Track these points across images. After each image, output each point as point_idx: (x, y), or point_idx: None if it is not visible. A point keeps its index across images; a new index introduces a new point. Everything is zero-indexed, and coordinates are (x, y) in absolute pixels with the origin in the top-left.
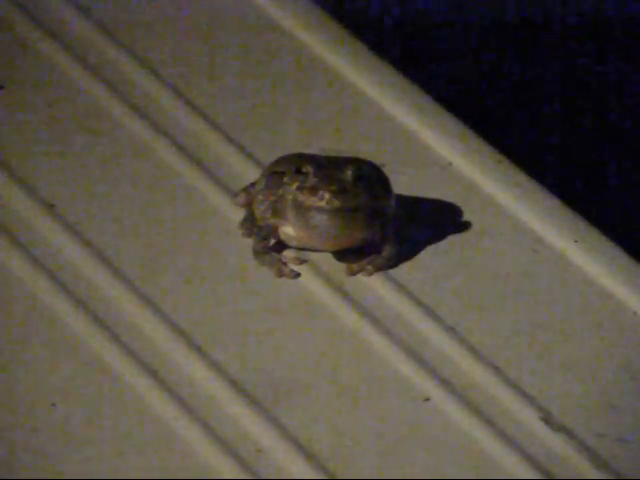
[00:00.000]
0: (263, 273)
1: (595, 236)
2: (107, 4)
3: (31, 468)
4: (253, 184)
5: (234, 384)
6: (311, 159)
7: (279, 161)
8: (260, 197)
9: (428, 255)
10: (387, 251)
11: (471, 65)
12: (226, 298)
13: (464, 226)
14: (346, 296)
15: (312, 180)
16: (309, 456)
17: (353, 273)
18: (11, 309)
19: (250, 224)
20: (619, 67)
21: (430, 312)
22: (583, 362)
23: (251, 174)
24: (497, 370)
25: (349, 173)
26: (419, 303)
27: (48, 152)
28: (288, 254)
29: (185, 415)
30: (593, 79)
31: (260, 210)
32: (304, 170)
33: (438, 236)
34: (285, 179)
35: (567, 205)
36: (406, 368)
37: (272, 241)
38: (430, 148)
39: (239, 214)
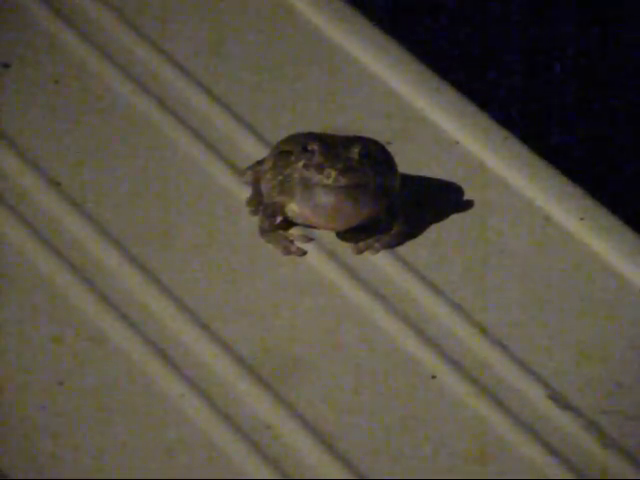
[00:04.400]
0: (270, 251)
1: (602, 213)
2: None
3: (38, 446)
4: (260, 162)
5: (242, 362)
6: (318, 137)
7: (286, 140)
8: (268, 176)
9: (435, 233)
10: (394, 229)
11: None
12: (233, 276)
13: (470, 204)
14: (353, 274)
15: (318, 158)
16: (317, 433)
17: (360, 251)
18: (17, 287)
19: (257, 202)
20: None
21: (437, 290)
22: (590, 339)
23: (258, 152)
24: (504, 348)
25: (355, 151)
26: (426, 281)
27: (54, 130)
28: (295, 232)
29: (193, 393)
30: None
31: (267, 188)
32: (310, 148)
33: (444, 214)
34: (292, 158)
35: (574, 182)
36: (413, 346)
37: (279, 219)
38: (437, 126)
39: (246, 192)
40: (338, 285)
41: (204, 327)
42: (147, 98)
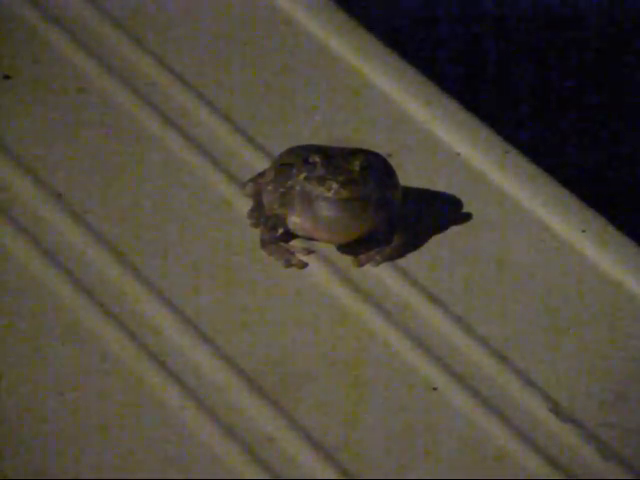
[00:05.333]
0: (271, 263)
1: (603, 226)
2: None
3: (39, 456)
4: (262, 174)
5: (243, 374)
6: (319, 150)
7: (288, 152)
8: (269, 188)
9: (435, 245)
10: (395, 241)
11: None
12: (234, 288)
13: (471, 216)
14: (353, 286)
15: (320, 170)
16: (319, 445)
17: (361, 263)
18: (18, 298)
19: (258, 214)
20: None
21: (437, 302)
22: (591, 352)
23: (260, 164)
24: (505, 360)
25: (357, 163)
26: (426, 293)
27: (55, 142)
28: (296, 244)
29: (194, 405)
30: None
31: (269, 201)
32: (312, 160)
33: (445, 226)
34: (294, 170)
35: (575, 195)
36: (414, 358)
37: (280, 231)
38: (438, 138)
39: (247, 204)
40: (339, 297)
41: (204, 339)
42: (147, 109)
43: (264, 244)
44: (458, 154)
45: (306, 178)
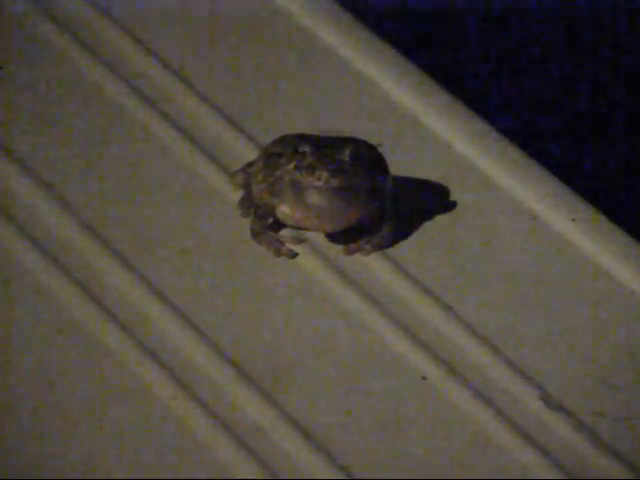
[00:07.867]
0: (261, 252)
1: (593, 215)
2: None
3: (31, 449)
4: (251, 163)
5: (232, 364)
6: (309, 139)
7: (277, 141)
8: (258, 177)
9: (426, 234)
10: (385, 230)
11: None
12: (224, 278)
13: (462, 205)
14: (344, 275)
15: (310, 159)
16: (308, 435)
17: (351, 253)
18: (9, 289)
19: (248, 204)
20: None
21: (427, 291)
22: (581, 341)
23: (249, 154)
24: (495, 349)
25: (347, 152)
26: (416, 282)
27: (46, 132)
28: (286, 233)
29: (184, 395)
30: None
31: (258, 190)
32: (302, 150)
33: (435, 215)
34: (283, 159)
35: (565, 184)
36: (403, 347)
37: (270, 220)
38: (427, 127)
39: (237, 194)
40: (329, 286)
41: (194, 329)
42: (138, 100)
43: (254, 234)
44: (447, 143)
45: (296, 167)
